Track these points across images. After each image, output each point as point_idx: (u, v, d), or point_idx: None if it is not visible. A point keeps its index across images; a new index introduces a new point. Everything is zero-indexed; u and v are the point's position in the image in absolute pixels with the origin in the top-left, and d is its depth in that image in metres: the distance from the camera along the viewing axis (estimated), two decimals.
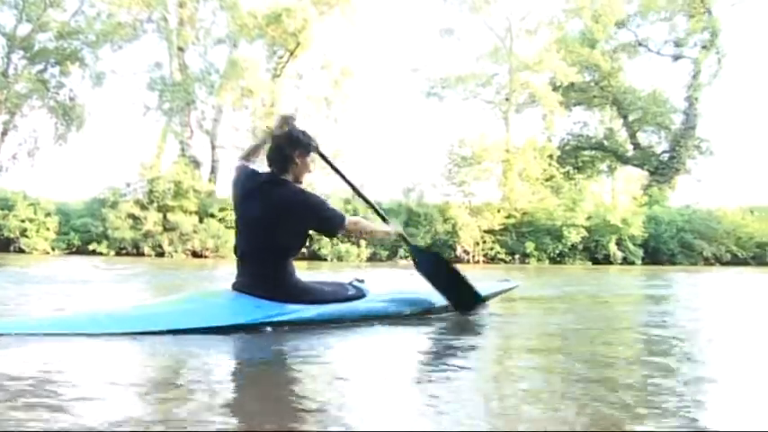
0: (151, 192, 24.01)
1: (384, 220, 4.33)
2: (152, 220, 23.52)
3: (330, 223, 3.78)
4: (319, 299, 3.77)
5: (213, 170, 26.47)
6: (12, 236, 22.75)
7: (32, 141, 26.54)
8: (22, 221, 22.91)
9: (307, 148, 3.74)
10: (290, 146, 3.70)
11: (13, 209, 22.98)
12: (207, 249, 23.50)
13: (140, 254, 23.19)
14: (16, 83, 25.34)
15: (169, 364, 2.75)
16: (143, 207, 23.82)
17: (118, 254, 23.04)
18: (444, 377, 2.58)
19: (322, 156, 3.92)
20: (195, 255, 23.37)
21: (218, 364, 2.86)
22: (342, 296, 3.91)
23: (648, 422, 1.91)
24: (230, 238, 23.09)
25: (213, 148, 26.60)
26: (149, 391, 2.22)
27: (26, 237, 22.82)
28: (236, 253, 3.78)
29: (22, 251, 22.37)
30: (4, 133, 25.89)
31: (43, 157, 27.23)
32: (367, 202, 4.46)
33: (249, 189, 3.74)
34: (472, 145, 25.31)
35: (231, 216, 23.05)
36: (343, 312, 3.83)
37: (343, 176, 4.22)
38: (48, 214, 23.46)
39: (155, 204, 23.88)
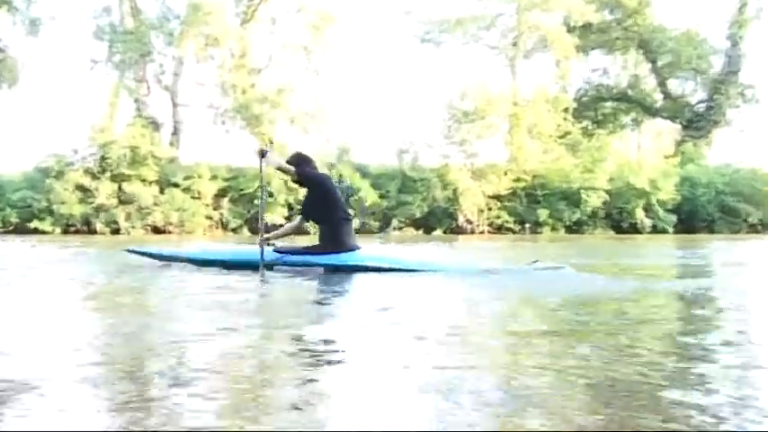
0: (103, 159, 22.51)
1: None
2: (105, 191, 22.16)
3: None
4: None
5: (175, 132, 24.62)
6: None
7: None
8: None
9: None
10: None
11: None
12: (170, 224, 21.83)
13: (92, 231, 21.63)
14: None
15: None
16: (94, 177, 22.47)
17: (65, 232, 21.39)
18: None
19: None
20: (156, 230, 21.78)
21: None
22: None
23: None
24: (198, 209, 22.23)
25: (174, 106, 24.71)
26: None
27: None
28: (345, 219, 5.93)
29: None
30: None
31: None
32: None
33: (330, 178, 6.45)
34: (474, 97, 23.86)
35: (197, 185, 22.19)
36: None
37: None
38: None
39: (108, 173, 22.44)
